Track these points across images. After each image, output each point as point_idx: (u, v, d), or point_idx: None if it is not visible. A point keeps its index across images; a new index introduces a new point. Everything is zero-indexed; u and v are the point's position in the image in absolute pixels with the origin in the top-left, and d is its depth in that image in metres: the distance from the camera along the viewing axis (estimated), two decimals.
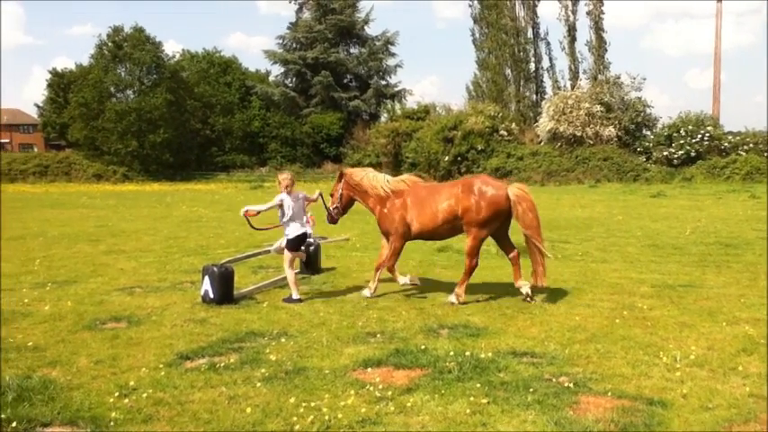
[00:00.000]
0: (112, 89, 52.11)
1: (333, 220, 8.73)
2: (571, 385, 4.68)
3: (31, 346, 5.79)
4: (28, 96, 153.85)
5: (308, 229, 8.50)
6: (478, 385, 4.67)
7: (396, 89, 60.29)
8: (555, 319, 6.75)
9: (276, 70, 63.26)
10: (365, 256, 11.13)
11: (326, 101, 56.65)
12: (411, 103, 56.15)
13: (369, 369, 5.11)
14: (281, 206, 7.91)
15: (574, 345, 5.76)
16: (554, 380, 4.82)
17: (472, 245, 7.81)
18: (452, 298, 7.64)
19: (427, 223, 7.92)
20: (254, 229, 8.55)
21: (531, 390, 4.58)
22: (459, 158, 41.90)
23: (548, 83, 52.55)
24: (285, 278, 8.81)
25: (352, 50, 60.91)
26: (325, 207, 8.68)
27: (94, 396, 4.58)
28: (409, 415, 4.22)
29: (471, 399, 4.42)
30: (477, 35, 53.86)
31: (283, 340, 5.98)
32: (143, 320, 6.76)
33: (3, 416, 4.14)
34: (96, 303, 7.57)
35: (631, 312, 6.96)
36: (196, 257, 11.11)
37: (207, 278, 7.55)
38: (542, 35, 52.57)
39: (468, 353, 5.37)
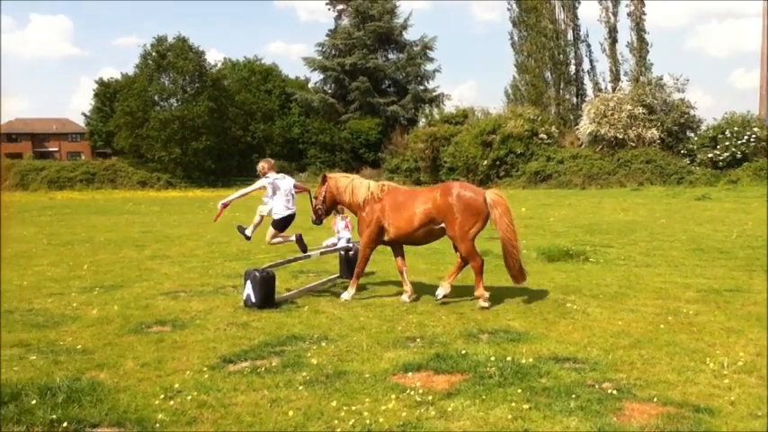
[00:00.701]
0: (156, 98, 53.33)
1: (318, 220, 8.91)
2: (615, 392, 4.61)
3: (80, 349, 5.95)
4: (76, 106, 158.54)
5: (294, 210, 8.83)
6: (520, 391, 4.63)
7: (434, 94, 60.32)
8: (597, 324, 6.65)
9: (315, 77, 63.98)
10: None
11: (365, 106, 56.94)
12: (449, 107, 56.10)
13: (409, 373, 5.12)
14: (266, 187, 8.50)
15: (617, 350, 5.66)
16: (597, 386, 4.75)
17: (464, 247, 7.96)
18: (482, 303, 7.67)
19: (403, 227, 8.11)
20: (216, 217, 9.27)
21: (574, 396, 4.52)
22: (497, 162, 41.65)
23: (588, 85, 51.86)
24: (325, 283, 8.92)
25: (390, 56, 61.15)
26: (312, 206, 8.88)
27: (140, 398, 4.68)
28: (450, 420, 4.21)
29: (513, 404, 4.39)
30: (516, 38, 53.44)
31: (324, 344, 6.03)
32: (187, 324, 6.89)
33: (54, 416, 4.26)
34: (142, 307, 7.75)
35: (676, 318, 6.82)
36: (238, 262, 11.28)
37: (249, 282, 7.66)
38: (583, 37, 51.92)
39: (508, 358, 5.33)
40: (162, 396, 4.67)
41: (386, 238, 8.32)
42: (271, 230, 8.70)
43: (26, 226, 19.42)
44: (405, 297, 8.12)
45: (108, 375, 5.20)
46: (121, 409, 4.47)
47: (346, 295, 8.21)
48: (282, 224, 8.62)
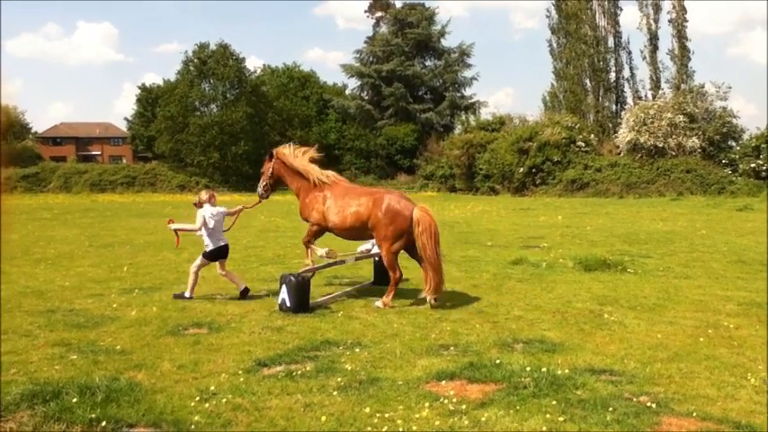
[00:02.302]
0: (197, 103, 54.19)
1: (263, 196, 9.36)
2: (653, 405, 4.52)
3: (119, 350, 6.08)
4: (118, 111, 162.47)
5: (225, 242, 8.83)
6: (555, 402, 4.58)
7: (470, 101, 60.16)
8: (635, 336, 6.54)
9: (352, 84, 64.29)
10: None
11: (400, 113, 57.06)
12: (485, 114, 55.87)
13: (442, 382, 5.10)
14: (204, 222, 8.49)
15: (655, 363, 5.56)
16: (634, 399, 4.67)
17: (387, 259, 8.28)
18: (379, 303, 8.09)
19: (337, 223, 8.51)
20: (176, 234, 9.15)
21: (611, 409, 4.45)
22: (534, 170, 41.33)
23: (628, 93, 51.17)
24: (359, 288, 8.95)
25: (427, 63, 61.19)
26: (248, 208, 9.57)
27: (177, 400, 4.75)
28: (484, 430, 4.17)
29: (547, 416, 4.34)
30: (555, 45, 53.03)
31: (357, 350, 6.04)
32: (223, 327, 6.98)
33: (93, 415, 4.35)
34: (179, 309, 7.88)
35: (716, 331, 6.66)
36: (273, 266, 11.39)
37: (284, 287, 7.73)
38: (624, 44, 51.22)
39: (543, 369, 5.27)
40: (198, 398, 4.74)
41: (326, 226, 8.70)
42: (199, 260, 8.62)
43: (68, 228, 19.90)
44: (307, 260, 8.80)
45: (145, 376, 5.29)
46: (158, 409, 4.54)
47: (310, 260, 8.69)
48: (214, 255, 8.67)
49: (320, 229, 8.81)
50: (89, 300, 8.47)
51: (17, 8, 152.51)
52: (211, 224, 8.54)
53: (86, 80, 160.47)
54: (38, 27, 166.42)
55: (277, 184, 9.41)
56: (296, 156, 9.03)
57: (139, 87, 74.46)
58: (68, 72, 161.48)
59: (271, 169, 9.17)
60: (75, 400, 4.58)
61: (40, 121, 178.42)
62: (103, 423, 4.24)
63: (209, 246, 8.59)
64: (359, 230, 8.50)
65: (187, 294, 8.51)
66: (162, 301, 8.40)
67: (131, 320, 7.29)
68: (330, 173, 9.05)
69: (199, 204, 8.70)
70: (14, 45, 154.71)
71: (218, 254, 8.70)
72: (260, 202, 9.55)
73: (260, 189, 9.31)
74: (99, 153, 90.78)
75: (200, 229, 8.57)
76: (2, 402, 4.55)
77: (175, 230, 8.97)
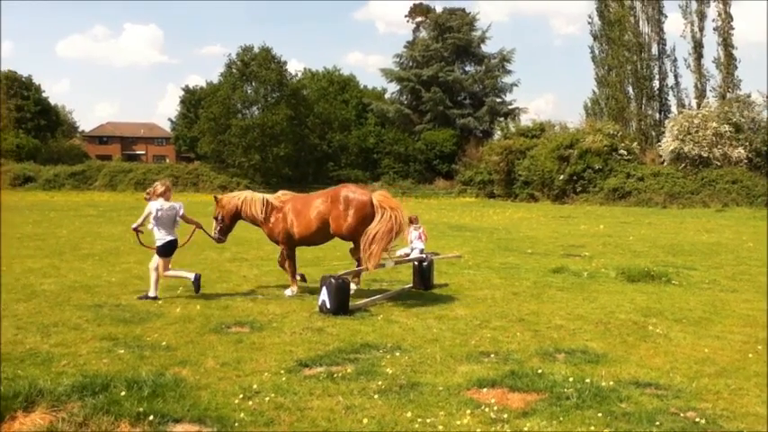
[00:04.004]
0: (239, 105, 54.96)
1: (219, 240, 9.58)
2: (701, 421, 4.42)
3: (164, 346, 6.20)
4: (162, 111, 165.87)
5: (175, 236, 8.82)
6: (599, 414, 4.50)
7: (510, 107, 59.79)
8: (680, 350, 6.40)
9: (392, 88, 64.46)
10: (478, 275, 11.05)
11: (439, 118, 57.02)
12: (525, 120, 55.45)
13: (483, 389, 5.07)
14: (150, 216, 8.48)
15: (702, 378, 5.43)
16: (681, 414, 4.57)
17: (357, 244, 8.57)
18: (353, 285, 8.58)
19: (304, 232, 8.85)
20: (142, 244, 9.08)
21: (657, 423, 4.36)
22: (574, 177, 40.79)
23: (672, 101, 50.33)
24: (400, 292, 8.96)
25: (467, 68, 61.05)
26: (208, 234, 9.51)
27: (220, 396, 4.82)
28: None
29: (591, 428, 4.28)
30: (597, 52, 52.47)
31: (397, 354, 6.05)
32: (265, 326, 7.06)
33: (140, 409, 4.44)
34: (222, 308, 8.00)
35: (766, 347, 6.48)
36: (313, 268, 11.45)
37: (324, 289, 7.78)
38: (668, 52, 50.33)
39: (587, 380, 5.19)
40: (241, 396, 4.80)
41: (294, 241, 9.02)
42: (156, 259, 8.57)
43: (114, 225, 20.36)
44: (288, 291, 8.98)
45: (190, 372, 5.39)
46: (203, 405, 4.62)
47: (289, 292, 8.90)
48: (165, 250, 8.61)
49: (292, 248, 9.14)
50: (135, 296, 8.65)
51: (67, 9, 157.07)
52: (159, 219, 8.48)
53: (132, 81, 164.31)
54: (86, 29, 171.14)
55: (234, 223, 9.59)
56: (242, 198, 9.35)
57: (183, 89, 75.92)
58: (115, 73, 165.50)
59: (220, 215, 9.43)
60: (122, 393, 4.69)
61: (86, 121, 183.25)
62: (150, 417, 4.31)
63: (159, 240, 8.57)
64: (324, 231, 8.83)
65: (151, 294, 8.39)
66: (205, 299, 8.54)
67: (176, 317, 7.43)
68: (281, 192, 9.48)
69: (151, 196, 8.67)
70: (64, 46, 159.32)
71: (169, 249, 8.64)
72: (218, 239, 9.65)
73: (216, 235, 9.50)
74: (143, 152, 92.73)
75: (143, 224, 8.57)
76: (53, 392, 4.67)
77: (135, 229, 8.85)
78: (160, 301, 8.31)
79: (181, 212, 8.81)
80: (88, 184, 52.73)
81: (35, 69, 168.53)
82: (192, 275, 8.68)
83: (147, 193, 8.77)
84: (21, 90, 68.40)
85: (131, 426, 4.24)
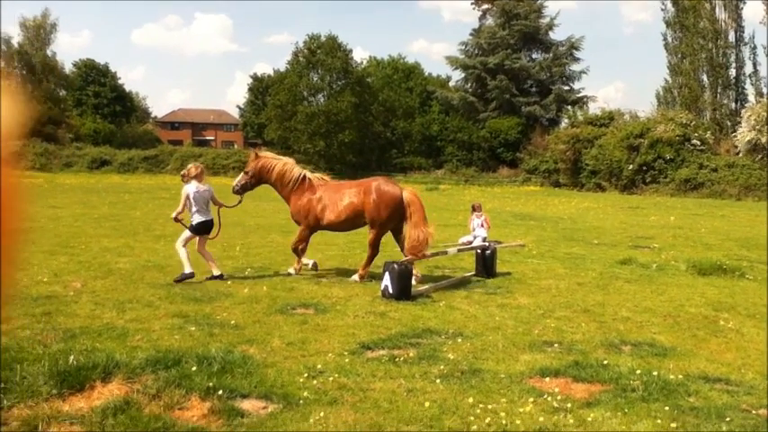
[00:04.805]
0: (305, 93, 55.63)
1: (241, 191, 9.61)
2: None
3: (233, 324, 6.40)
4: (231, 98, 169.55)
5: (210, 217, 8.89)
6: (666, 408, 4.40)
7: (578, 95, 58.38)
8: (753, 345, 6.17)
9: (456, 76, 63.92)
10: (542, 264, 10.91)
11: (504, 105, 56.23)
12: (594, 109, 54.03)
13: (546, 378, 5.03)
14: (188, 198, 8.55)
15: None
16: (753, 411, 4.42)
17: (373, 238, 9.00)
18: (355, 277, 8.92)
19: (333, 219, 9.06)
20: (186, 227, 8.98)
21: (727, 419, 4.23)
22: (644, 167, 39.57)
23: (749, 90, 47.99)
24: (462, 279, 8.96)
25: (534, 56, 59.89)
26: (227, 206, 9.43)
27: (286, 375, 4.95)
28: (589, 430, 4.09)
29: (658, 421, 4.19)
30: (670, 39, 50.58)
31: (459, 340, 6.05)
32: (328, 309, 7.19)
33: (210, 384, 4.61)
34: (287, 290, 8.18)
35: None
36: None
37: (387, 274, 7.85)
38: (746, 39, 48.01)
39: (654, 373, 5.08)
40: (305, 375, 4.92)
41: (320, 225, 9.25)
42: (183, 236, 8.67)
43: None
44: (291, 270, 9.28)
45: (257, 350, 5.55)
46: (269, 383, 4.75)
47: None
48: (199, 230, 8.74)
49: (311, 233, 9.40)
50: (204, 276, 8.93)
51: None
52: (195, 201, 8.65)
53: (202, 69, 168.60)
54: (160, 18, 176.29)
55: (256, 186, 9.69)
56: (284, 164, 9.41)
57: (251, 76, 77.39)
58: (186, 61, 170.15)
59: (252, 171, 9.49)
60: (193, 368, 4.87)
61: (159, 107, 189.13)
62: (219, 392, 4.47)
63: (194, 219, 8.72)
64: (353, 221, 9.10)
65: (187, 271, 8.46)
66: (271, 280, 8.75)
67: (243, 297, 7.64)
68: (319, 175, 9.62)
69: (186, 178, 8.85)
70: (138, 35, 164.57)
71: (203, 228, 8.80)
72: (239, 202, 9.81)
73: (237, 187, 9.55)
74: (213, 138, 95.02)
75: (183, 207, 8.70)
76: (128, 365, 4.90)
77: (175, 219, 8.95)
78: (229, 282, 8.56)
79: (212, 192, 9.05)
80: (160, 167, 54.47)
81: (112, 57, 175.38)
82: (217, 272, 8.78)
83: (183, 176, 9.03)
84: (98, 77, 71.30)
85: (201, 399, 4.40)
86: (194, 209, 8.72)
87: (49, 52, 64.11)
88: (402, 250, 9.06)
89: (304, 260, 9.48)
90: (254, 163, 9.55)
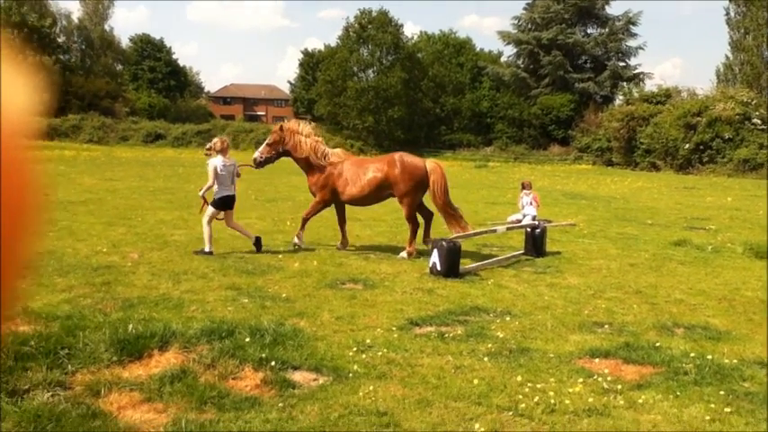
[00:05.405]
0: (355, 68, 55.54)
1: (261, 164, 9.67)
2: None
3: (284, 297, 6.53)
4: (281, 74, 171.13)
5: (232, 192, 8.91)
6: (721, 392, 4.32)
7: (634, 71, 56.69)
8: None
9: (508, 51, 62.85)
10: (592, 244, 10.75)
11: (557, 82, 55.05)
12: (650, 86, 52.48)
13: (596, 359, 4.99)
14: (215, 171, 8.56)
15: None
16: None
17: (407, 212, 9.19)
18: (403, 254, 8.99)
19: (355, 193, 9.18)
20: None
21: None
22: (701, 147, 38.35)
23: None
24: (510, 258, 8.93)
25: (589, 31, 58.32)
26: (260, 152, 9.65)
27: (335, 348, 5.05)
28: (639, 412, 4.06)
29: (711, 405, 4.13)
30: (733, 14, 48.51)
31: (507, 319, 6.05)
32: (377, 284, 7.27)
33: (263, 355, 4.73)
34: (336, 265, 8.29)
35: None
36: (423, 230, 11.54)
37: (435, 251, 7.87)
38: None
39: (708, 356, 4.99)
40: (354, 349, 5.00)
41: (340, 199, 9.40)
42: (210, 210, 8.70)
43: (238, 182, 21.34)
44: (295, 239, 9.44)
45: (307, 324, 5.66)
46: (319, 356, 4.85)
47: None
48: (222, 204, 8.74)
49: (325, 205, 9.56)
50: (249, 248, 9.08)
51: None
52: (222, 174, 8.70)
53: (254, 44, 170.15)
54: None
55: (277, 159, 9.78)
56: (308, 134, 9.46)
57: (302, 52, 77.54)
58: (238, 36, 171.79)
59: (279, 143, 9.50)
60: (246, 339, 5.01)
61: (211, 82, 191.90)
62: (272, 363, 4.59)
63: (217, 194, 8.74)
64: (376, 195, 9.27)
65: (207, 249, 8.55)
66: (321, 255, 8.87)
67: (294, 271, 7.78)
68: (340, 150, 9.80)
69: (211, 152, 8.86)
70: (192, 11, 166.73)
71: (226, 203, 8.83)
72: (254, 166, 9.83)
73: (260, 157, 9.59)
74: (264, 113, 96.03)
75: (213, 181, 8.73)
76: (184, 334, 5.07)
77: (203, 197, 9.06)
78: (280, 256, 8.72)
79: (236, 165, 9.13)
80: None
81: (166, 32, 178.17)
82: (253, 236, 9.00)
83: (207, 150, 9.09)
84: (154, 52, 72.63)
85: (254, 370, 4.53)
86: (217, 183, 8.82)
87: (106, 27, 65.69)
88: (425, 222, 9.39)
89: (300, 236, 9.48)
90: (278, 135, 9.62)
